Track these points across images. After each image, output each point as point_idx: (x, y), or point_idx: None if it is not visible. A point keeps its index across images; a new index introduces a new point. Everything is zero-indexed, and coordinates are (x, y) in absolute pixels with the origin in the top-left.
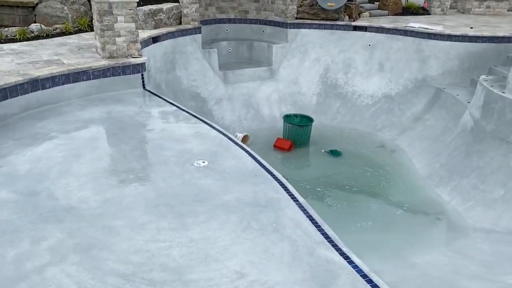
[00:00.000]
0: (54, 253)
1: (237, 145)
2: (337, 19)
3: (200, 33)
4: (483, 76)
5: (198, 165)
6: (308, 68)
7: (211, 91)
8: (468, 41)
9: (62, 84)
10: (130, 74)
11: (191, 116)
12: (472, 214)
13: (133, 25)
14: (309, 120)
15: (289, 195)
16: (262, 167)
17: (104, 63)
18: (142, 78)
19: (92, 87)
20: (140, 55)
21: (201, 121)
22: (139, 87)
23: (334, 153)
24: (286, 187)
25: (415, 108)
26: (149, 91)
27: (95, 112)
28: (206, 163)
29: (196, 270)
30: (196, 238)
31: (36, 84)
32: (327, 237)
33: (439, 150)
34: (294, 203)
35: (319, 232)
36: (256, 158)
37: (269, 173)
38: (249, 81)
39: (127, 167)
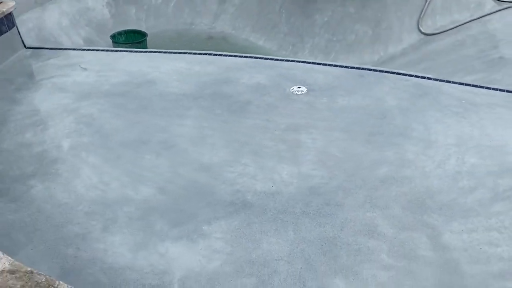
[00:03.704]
0: None
1: (278, 60)
2: None
3: None
4: None
5: (302, 93)
6: None
7: None
8: None
9: None
10: (7, 31)
11: (161, 53)
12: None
13: None
14: (140, 33)
15: (413, 76)
16: (349, 68)
17: None
18: (19, 32)
19: None
20: None
21: (183, 53)
22: (21, 48)
23: None
24: (406, 73)
25: None
26: (35, 47)
27: (49, 101)
28: (303, 88)
29: None
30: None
31: None
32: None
33: (273, 23)
34: (432, 81)
35: (494, 91)
36: (330, 64)
37: (366, 70)
38: (27, 12)
39: (265, 129)
